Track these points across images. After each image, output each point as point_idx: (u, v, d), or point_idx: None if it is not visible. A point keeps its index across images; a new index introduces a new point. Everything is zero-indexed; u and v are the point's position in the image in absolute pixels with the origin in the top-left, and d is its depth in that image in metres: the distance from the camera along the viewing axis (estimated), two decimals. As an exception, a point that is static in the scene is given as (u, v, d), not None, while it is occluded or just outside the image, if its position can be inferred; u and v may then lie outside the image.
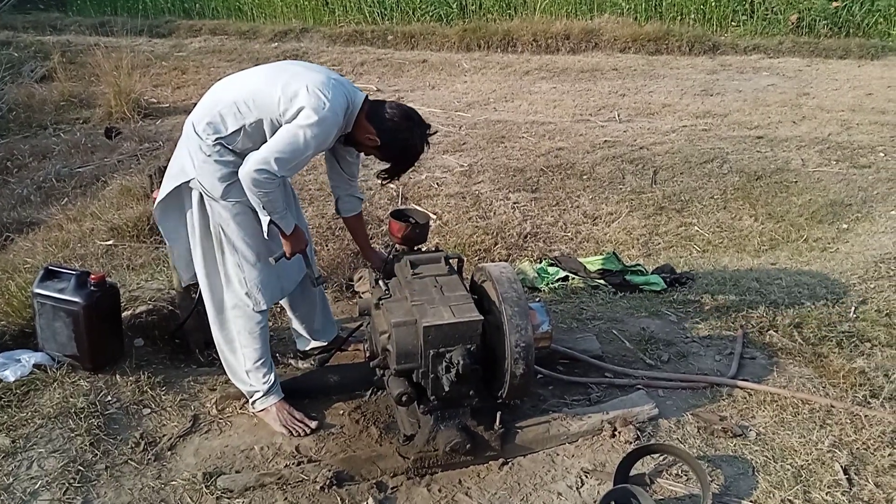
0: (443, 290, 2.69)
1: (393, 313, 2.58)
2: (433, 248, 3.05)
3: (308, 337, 3.33)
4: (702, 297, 3.88)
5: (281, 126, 2.53)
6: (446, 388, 2.54)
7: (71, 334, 2.92)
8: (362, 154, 2.93)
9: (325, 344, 3.33)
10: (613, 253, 4.46)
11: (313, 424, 2.86)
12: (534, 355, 2.60)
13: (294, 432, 2.82)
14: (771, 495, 2.50)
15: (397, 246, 3.01)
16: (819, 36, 9.95)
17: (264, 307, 2.84)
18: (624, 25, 10.18)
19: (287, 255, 2.78)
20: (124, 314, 3.26)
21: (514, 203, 5.68)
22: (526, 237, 5.25)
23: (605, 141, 6.79)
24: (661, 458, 2.69)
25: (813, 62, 9.32)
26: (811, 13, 10.07)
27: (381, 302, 2.70)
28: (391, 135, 2.70)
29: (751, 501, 2.49)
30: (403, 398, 2.60)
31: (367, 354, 2.86)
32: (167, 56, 10.20)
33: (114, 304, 3.07)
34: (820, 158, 6.31)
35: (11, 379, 2.89)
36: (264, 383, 2.89)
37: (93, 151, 7.13)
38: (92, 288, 2.93)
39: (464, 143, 6.72)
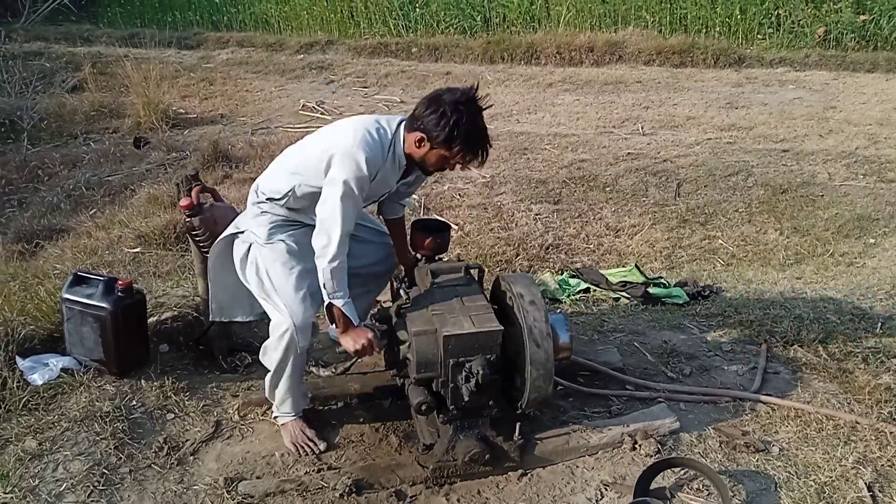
0: (463, 300, 2.70)
1: (413, 322, 2.60)
2: (454, 259, 3.07)
3: None
4: (725, 311, 3.85)
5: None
6: (466, 398, 2.55)
7: (98, 339, 2.97)
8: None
9: None
10: (636, 265, 4.44)
11: (322, 446, 2.83)
12: (553, 367, 2.60)
13: (301, 451, 2.81)
14: (793, 511, 2.48)
15: (419, 255, 3.03)
16: (846, 49, 9.85)
17: (304, 343, 2.73)
18: (648, 38, 10.15)
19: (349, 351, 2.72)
20: (150, 320, 3.31)
21: (536, 215, 5.69)
22: (548, 249, 5.25)
23: (629, 153, 6.78)
24: (682, 471, 2.67)
25: (840, 75, 9.22)
26: (838, 26, 9.96)
27: (401, 311, 2.71)
28: (440, 118, 2.48)
29: (773, 517, 2.47)
30: (423, 407, 2.61)
31: (387, 363, 2.88)
32: (195, 67, 10.36)
33: (140, 310, 3.12)
34: (847, 172, 6.24)
35: (39, 382, 2.95)
36: (288, 406, 2.86)
37: (122, 160, 7.26)
38: (119, 294, 2.98)
39: (486, 155, 6.73)
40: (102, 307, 2.93)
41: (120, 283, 3.00)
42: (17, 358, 3.00)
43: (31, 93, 7.87)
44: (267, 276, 2.73)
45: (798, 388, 3.15)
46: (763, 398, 3.06)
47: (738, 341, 3.56)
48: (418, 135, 2.55)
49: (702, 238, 5.43)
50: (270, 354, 2.74)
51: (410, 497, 2.61)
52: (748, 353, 3.45)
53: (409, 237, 3.06)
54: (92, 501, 2.52)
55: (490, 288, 2.94)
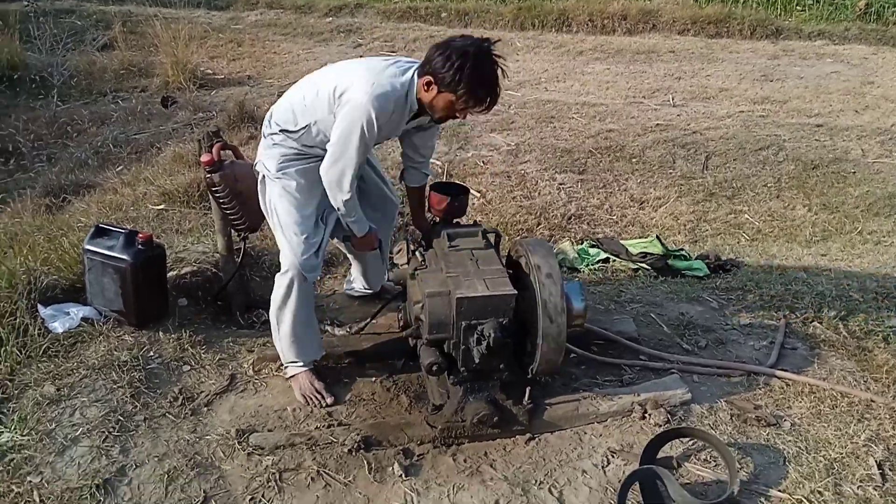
0: (478, 263, 2.70)
1: (427, 283, 2.60)
2: (472, 223, 3.05)
3: (363, 285, 3.52)
4: (745, 285, 3.80)
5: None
6: (476, 360, 2.56)
7: (118, 290, 3.02)
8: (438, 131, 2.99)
9: (372, 292, 3.55)
10: (657, 236, 4.39)
11: (329, 399, 2.87)
12: (566, 333, 2.59)
13: (311, 402, 2.86)
14: (800, 486, 2.46)
15: (436, 219, 3.02)
16: (887, 23, 9.55)
17: (312, 273, 2.83)
18: (683, 7, 9.92)
19: (355, 249, 3.15)
20: (170, 274, 3.36)
21: (560, 184, 5.63)
22: (570, 219, 5.20)
23: (658, 124, 6.67)
24: (691, 442, 2.66)
25: (880, 50, 8.96)
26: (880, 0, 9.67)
27: (416, 272, 2.72)
28: (446, 60, 2.48)
29: (779, 491, 2.45)
30: (434, 368, 2.62)
31: (401, 323, 2.89)
32: (224, 28, 10.34)
33: (160, 263, 3.16)
34: (881, 149, 6.09)
35: (60, 330, 3.01)
36: (297, 354, 2.92)
37: (149, 119, 7.32)
38: (140, 246, 3.02)
39: (512, 122, 6.67)
40: (123, 259, 2.98)
41: (140, 235, 3.05)
42: (39, 306, 3.07)
43: (62, 50, 7.92)
44: (275, 211, 2.81)
45: (815, 365, 3.11)
46: (777, 373, 3.03)
47: (756, 316, 3.51)
48: (427, 78, 2.56)
49: (728, 212, 5.35)
50: (276, 292, 2.84)
51: (418, 455, 2.63)
52: (766, 328, 3.41)
53: (427, 201, 3.04)
54: (106, 446, 2.58)
55: (507, 253, 2.93)
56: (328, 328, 3.33)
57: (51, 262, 3.33)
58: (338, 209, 2.78)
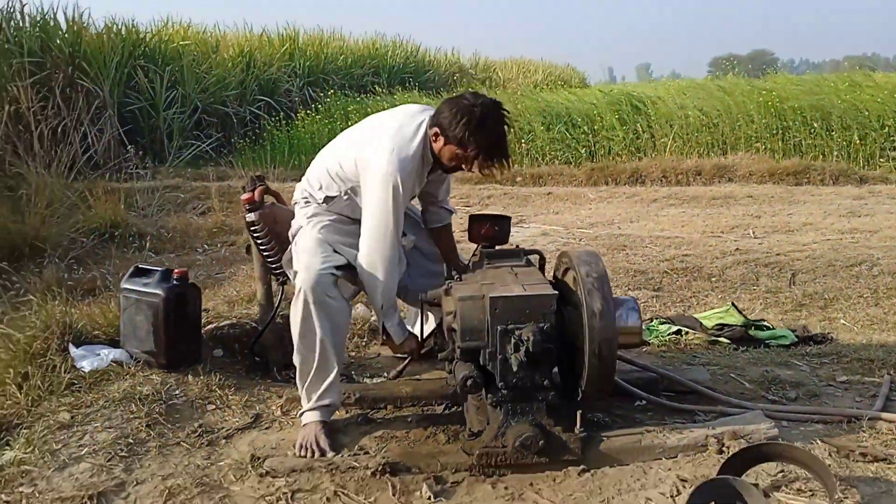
0: (517, 274, 2.49)
1: (460, 290, 2.40)
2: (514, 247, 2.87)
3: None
4: (840, 351, 3.35)
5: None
6: (515, 370, 2.27)
7: (150, 328, 2.91)
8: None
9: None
10: (733, 304, 4.00)
11: (329, 455, 2.48)
12: (616, 346, 2.29)
13: (304, 453, 2.49)
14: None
15: (479, 248, 2.85)
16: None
17: (322, 293, 2.59)
18: (760, 161, 9.89)
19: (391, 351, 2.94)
20: (208, 326, 3.25)
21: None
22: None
23: (737, 249, 6.39)
24: (779, 472, 2.20)
25: (974, 191, 8.57)
26: (969, 145, 9.42)
27: (450, 286, 2.51)
28: (453, 117, 2.53)
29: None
30: (468, 382, 2.34)
31: (437, 347, 2.64)
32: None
33: (194, 301, 3.05)
34: None
35: (87, 369, 2.89)
36: (314, 399, 2.63)
37: (231, 264, 7.60)
38: (174, 282, 2.95)
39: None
40: (156, 294, 2.90)
41: (176, 272, 2.99)
42: (70, 346, 2.98)
43: (155, 209, 8.57)
44: (296, 242, 2.75)
45: (931, 414, 2.61)
46: (885, 415, 2.55)
47: (854, 373, 3.05)
48: (435, 129, 2.59)
49: (821, 319, 4.86)
50: (293, 322, 2.62)
51: (451, 483, 2.27)
52: (867, 385, 2.94)
53: (467, 231, 2.90)
54: (110, 465, 2.36)
55: (553, 272, 2.70)
56: (366, 380, 3.08)
57: (92, 316, 3.28)
58: (377, 306, 2.68)
